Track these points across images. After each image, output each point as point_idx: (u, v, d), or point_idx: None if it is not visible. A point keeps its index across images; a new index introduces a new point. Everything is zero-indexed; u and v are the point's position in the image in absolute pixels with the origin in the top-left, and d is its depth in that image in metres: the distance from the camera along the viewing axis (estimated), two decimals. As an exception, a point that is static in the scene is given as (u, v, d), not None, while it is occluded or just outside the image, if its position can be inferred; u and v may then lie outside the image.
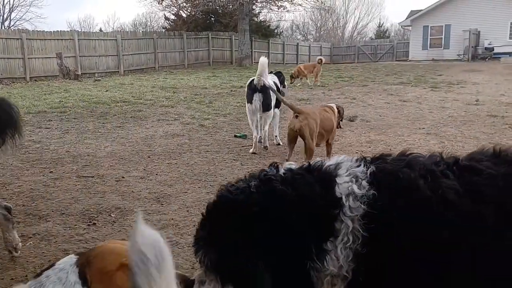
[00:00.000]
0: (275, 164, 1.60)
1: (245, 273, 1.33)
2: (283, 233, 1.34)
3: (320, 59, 17.18)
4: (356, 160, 1.48)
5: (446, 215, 1.28)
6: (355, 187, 1.37)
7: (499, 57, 27.53)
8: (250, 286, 1.36)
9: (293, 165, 1.61)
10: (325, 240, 1.34)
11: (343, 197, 1.36)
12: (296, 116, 5.28)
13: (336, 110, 5.80)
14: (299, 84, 16.13)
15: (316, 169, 1.49)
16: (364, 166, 1.43)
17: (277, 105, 7.06)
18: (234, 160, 6.03)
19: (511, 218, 1.26)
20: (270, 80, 6.83)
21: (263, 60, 6.48)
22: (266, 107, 6.59)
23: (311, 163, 1.55)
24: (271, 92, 6.50)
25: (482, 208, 1.26)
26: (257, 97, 6.51)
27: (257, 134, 6.58)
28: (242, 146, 6.83)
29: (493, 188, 1.29)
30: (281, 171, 1.54)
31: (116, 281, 1.43)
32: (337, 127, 5.89)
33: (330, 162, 1.49)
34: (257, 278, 1.32)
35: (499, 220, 1.26)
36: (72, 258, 1.48)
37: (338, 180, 1.40)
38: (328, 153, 5.72)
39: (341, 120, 6.06)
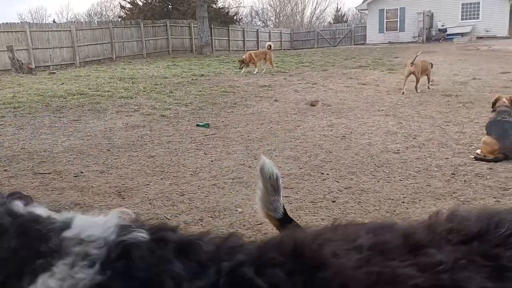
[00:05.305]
0: None
1: None
2: None
3: (270, 45, 17.08)
4: None
5: None
6: None
7: (452, 38, 28.44)
8: None
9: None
10: None
11: None
12: (412, 65, 10.15)
13: (430, 63, 10.91)
14: (255, 72, 15.96)
15: None
16: None
17: None
18: (197, 149, 5.98)
19: None
20: None
21: None
22: None
23: None
24: None
25: None
26: None
27: None
28: (205, 135, 6.78)
29: None
30: None
31: None
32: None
33: None
34: None
35: None
36: None
37: None
38: (429, 80, 10.82)
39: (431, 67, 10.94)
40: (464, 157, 5.16)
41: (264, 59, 16.38)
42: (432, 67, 10.87)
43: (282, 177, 4.77)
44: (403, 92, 10.13)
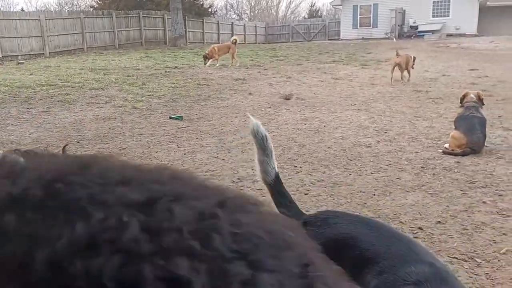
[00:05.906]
0: None
1: None
2: None
3: (235, 39, 16.95)
4: None
5: None
6: None
7: (423, 35, 28.99)
8: None
9: None
10: None
11: None
12: (398, 56, 11.37)
13: (412, 57, 11.68)
14: (218, 65, 15.78)
15: None
16: None
17: None
18: (170, 142, 5.92)
19: None
20: None
21: None
22: None
23: None
24: None
25: None
26: None
27: None
28: (178, 128, 6.72)
29: None
30: None
31: None
32: (412, 66, 11.64)
33: None
34: None
35: None
36: None
37: None
38: (406, 73, 11.51)
39: (414, 63, 11.73)
40: (433, 151, 5.29)
41: (227, 52, 16.20)
42: (414, 60, 11.75)
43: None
44: (391, 83, 10.95)
